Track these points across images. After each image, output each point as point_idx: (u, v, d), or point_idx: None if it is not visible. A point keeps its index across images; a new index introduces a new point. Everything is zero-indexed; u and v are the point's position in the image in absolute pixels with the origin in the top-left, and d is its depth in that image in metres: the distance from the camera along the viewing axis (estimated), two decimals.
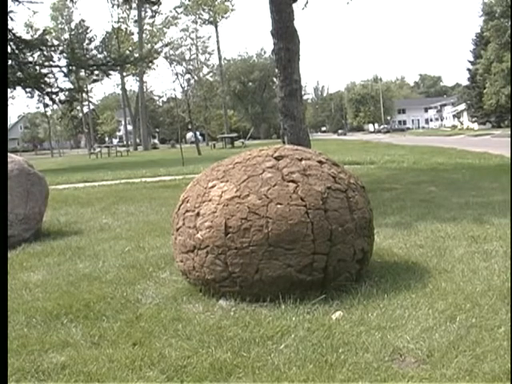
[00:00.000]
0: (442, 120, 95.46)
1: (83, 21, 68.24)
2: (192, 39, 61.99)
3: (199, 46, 63.08)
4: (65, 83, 40.96)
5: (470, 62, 63.38)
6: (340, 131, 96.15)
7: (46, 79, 25.16)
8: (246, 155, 3.86)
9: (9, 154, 6.03)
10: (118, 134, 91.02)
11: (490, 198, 7.37)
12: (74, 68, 26.36)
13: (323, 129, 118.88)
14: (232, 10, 61.68)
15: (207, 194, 3.59)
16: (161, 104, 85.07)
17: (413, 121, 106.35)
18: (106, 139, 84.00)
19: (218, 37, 64.05)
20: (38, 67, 24.42)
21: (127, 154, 40.51)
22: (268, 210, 3.38)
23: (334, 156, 5.62)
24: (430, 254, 4.43)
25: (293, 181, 3.50)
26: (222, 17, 62.15)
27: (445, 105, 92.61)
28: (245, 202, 3.42)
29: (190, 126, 53.65)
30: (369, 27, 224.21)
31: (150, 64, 52.24)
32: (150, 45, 58.32)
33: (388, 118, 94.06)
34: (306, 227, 3.37)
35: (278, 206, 3.38)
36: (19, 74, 22.86)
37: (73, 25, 68.59)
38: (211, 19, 61.88)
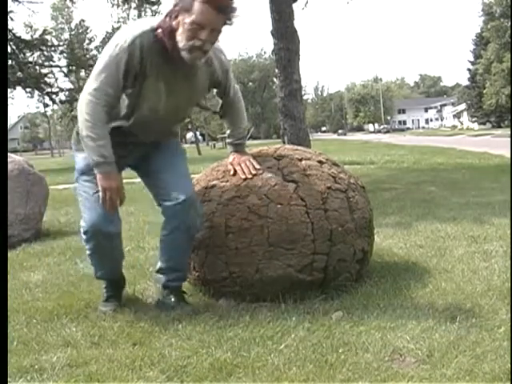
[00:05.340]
0: (442, 120, 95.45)
1: (83, 21, 68.19)
2: None
3: None
4: (65, 83, 41.05)
5: (470, 62, 63.41)
6: (340, 131, 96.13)
7: (46, 79, 25.21)
8: None
9: (9, 154, 6.04)
10: None
11: (490, 198, 7.37)
12: (73, 68, 26.40)
13: (323, 129, 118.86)
14: None
15: (207, 193, 3.59)
16: None
17: (413, 121, 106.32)
18: None
19: None
20: (37, 67, 24.46)
21: None
22: (268, 210, 3.37)
23: (334, 156, 5.61)
24: (430, 253, 4.43)
25: (293, 181, 3.50)
26: None
27: (445, 105, 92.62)
28: (245, 202, 3.42)
29: (189, 126, 53.61)
30: (369, 27, 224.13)
31: None
32: None
33: (388, 118, 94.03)
34: (306, 227, 3.37)
35: (278, 205, 3.38)
36: (19, 73, 22.89)
37: (73, 25, 68.60)
38: None
